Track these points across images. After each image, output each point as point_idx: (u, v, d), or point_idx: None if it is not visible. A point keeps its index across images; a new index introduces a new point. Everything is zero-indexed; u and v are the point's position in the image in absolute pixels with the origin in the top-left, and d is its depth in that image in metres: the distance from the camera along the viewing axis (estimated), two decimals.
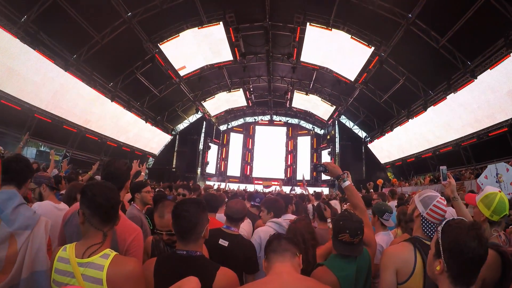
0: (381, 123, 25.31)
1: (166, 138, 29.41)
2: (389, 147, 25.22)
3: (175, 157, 30.46)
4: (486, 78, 13.80)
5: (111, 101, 19.69)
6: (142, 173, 5.32)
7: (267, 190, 13.95)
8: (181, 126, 31.31)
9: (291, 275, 1.69)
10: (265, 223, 3.54)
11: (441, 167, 2.88)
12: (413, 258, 1.98)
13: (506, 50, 12.42)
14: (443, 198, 2.16)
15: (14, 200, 1.92)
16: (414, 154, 22.89)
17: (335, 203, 5.39)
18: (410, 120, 20.61)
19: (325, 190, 26.08)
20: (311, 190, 11.19)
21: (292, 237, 1.98)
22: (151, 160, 29.95)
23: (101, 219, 1.71)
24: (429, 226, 2.13)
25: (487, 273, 1.97)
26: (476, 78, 14.20)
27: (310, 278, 1.83)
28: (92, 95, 18.28)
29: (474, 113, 15.68)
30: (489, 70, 13.42)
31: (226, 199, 5.31)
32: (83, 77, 17.14)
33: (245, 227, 3.66)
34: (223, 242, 2.70)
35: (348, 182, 2.68)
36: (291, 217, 3.90)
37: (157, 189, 7.56)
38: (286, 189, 15.67)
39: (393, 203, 6.16)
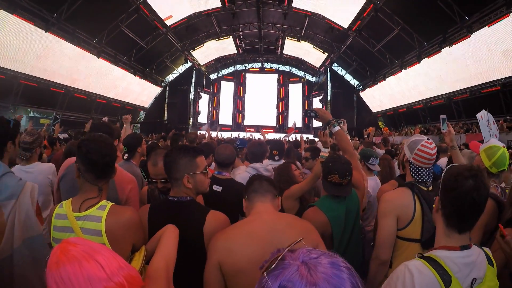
0: (373, 72, 24.98)
1: (156, 90, 28.84)
2: (381, 96, 25.20)
3: (166, 109, 30.12)
4: (483, 35, 13.54)
5: (97, 58, 19.00)
6: (125, 125, 5.26)
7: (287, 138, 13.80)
8: (171, 77, 30.50)
9: (272, 214, 1.71)
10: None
11: (441, 116, 2.91)
12: (412, 203, 2.01)
13: (506, 9, 12.07)
14: (429, 141, 2.12)
15: None
16: (405, 104, 22.99)
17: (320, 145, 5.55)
18: (403, 70, 20.40)
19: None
20: (304, 136, 11.20)
21: (272, 179, 1.99)
22: (142, 114, 29.65)
23: (95, 175, 1.71)
24: (417, 170, 2.13)
25: (489, 220, 2.10)
26: (472, 34, 13.94)
27: (290, 214, 1.88)
28: (77, 53, 17.59)
29: (468, 69, 15.58)
30: (486, 27, 13.13)
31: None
32: (66, 36, 16.32)
33: (239, 172, 3.67)
34: (217, 188, 2.74)
35: (337, 127, 2.74)
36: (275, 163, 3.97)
37: (149, 142, 7.42)
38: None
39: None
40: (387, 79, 22.67)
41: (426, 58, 17.77)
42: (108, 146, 1.74)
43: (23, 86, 15.77)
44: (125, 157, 3.08)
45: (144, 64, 24.92)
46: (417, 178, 2.11)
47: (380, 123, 27.12)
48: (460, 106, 18.03)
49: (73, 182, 2.01)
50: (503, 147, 2.47)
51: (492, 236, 2.04)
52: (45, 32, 14.91)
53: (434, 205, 1.45)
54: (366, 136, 9.41)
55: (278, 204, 1.82)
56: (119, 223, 1.61)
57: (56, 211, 1.69)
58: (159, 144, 6.55)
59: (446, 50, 15.99)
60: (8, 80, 14.81)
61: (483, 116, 9.78)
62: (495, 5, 12.75)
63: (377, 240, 2.09)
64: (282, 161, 4.03)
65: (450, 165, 1.46)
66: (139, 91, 26.33)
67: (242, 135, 23.51)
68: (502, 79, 13.92)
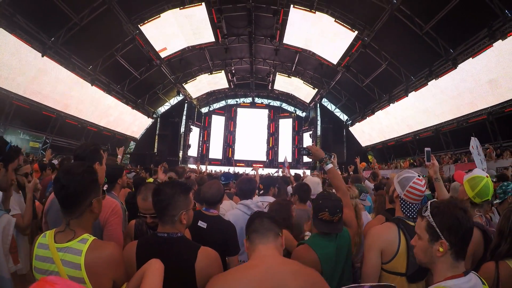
0: (362, 107, 25.58)
1: (147, 121, 28.86)
2: (370, 130, 25.65)
3: (156, 140, 30.05)
4: (468, 66, 14.05)
5: (91, 85, 19.11)
6: (119, 156, 5.26)
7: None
8: (162, 109, 30.71)
9: (275, 258, 1.65)
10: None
11: (425, 149, 2.98)
12: (397, 238, 2.04)
13: (488, 40, 12.66)
14: (420, 178, 2.18)
15: None
16: (394, 138, 23.37)
17: (310, 178, 5.51)
18: (391, 104, 20.93)
19: (307, 172, 26.40)
20: (292, 172, 11.36)
21: (274, 215, 1.95)
22: (132, 144, 29.47)
23: (61, 207, 1.65)
24: (408, 206, 2.18)
25: (476, 249, 2.18)
26: (456, 67, 14.52)
27: (295, 261, 1.79)
28: (71, 79, 17.68)
29: (455, 100, 16.05)
30: (471, 58, 13.68)
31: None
32: (62, 61, 16.49)
33: (225, 207, 3.68)
34: (202, 224, 2.69)
35: (330, 165, 2.77)
36: (271, 199, 3.92)
37: (133, 173, 7.33)
38: (270, 171, 15.79)
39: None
40: (375, 113, 23.14)
41: (414, 92, 18.29)
42: (76, 175, 1.64)
43: (15, 107, 15.62)
44: (105, 188, 2.99)
45: (137, 95, 25.10)
46: (407, 214, 2.18)
47: (369, 157, 27.40)
48: (448, 137, 18.37)
49: (58, 213, 1.97)
50: (487, 177, 2.54)
51: (479, 264, 2.10)
52: (42, 56, 15.05)
53: (439, 250, 1.47)
54: (351, 172, 9.44)
55: (282, 243, 1.77)
56: (99, 258, 1.58)
57: (39, 240, 1.65)
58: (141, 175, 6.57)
59: (432, 83, 16.53)
60: (1, 99, 14.69)
61: (473, 146, 10.04)
62: (478, 37, 13.40)
63: (362, 273, 2.14)
64: (268, 196, 4.04)
65: (432, 205, 1.52)
66: (131, 121, 26.31)
67: (234, 170, 23.36)
68: (487, 108, 14.34)
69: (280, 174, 12.10)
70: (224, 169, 23.39)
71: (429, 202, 1.55)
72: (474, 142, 9.59)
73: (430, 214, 1.48)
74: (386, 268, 2.05)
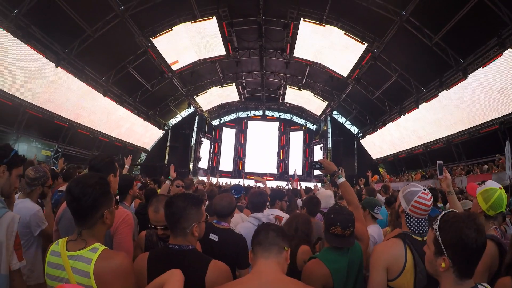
0: (373, 119, 25.46)
1: (158, 133, 29.24)
2: (381, 142, 25.39)
3: (167, 152, 30.35)
4: (479, 76, 13.88)
5: (103, 96, 19.47)
6: (126, 166, 5.31)
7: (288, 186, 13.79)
8: (174, 121, 31.11)
9: (272, 275, 1.60)
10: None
11: (437, 162, 2.90)
12: (403, 254, 1.97)
13: (498, 49, 12.53)
14: (425, 192, 2.11)
15: None
16: (405, 150, 23.06)
17: (323, 191, 5.47)
18: (402, 116, 20.72)
19: (318, 185, 26.19)
20: (302, 185, 11.31)
21: (282, 229, 1.88)
22: (143, 155, 29.80)
23: (74, 218, 1.68)
24: (413, 221, 2.11)
25: (492, 263, 2.08)
26: (467, 78, 14.36)
27: (295, 282, 1.68)
28: (84, 90, 18.05)
29: (466, 111, 15.80)
30: (481, 68, 13.51)
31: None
32: (75, 72, 16.88)
33: (234, 220, 3.64)
34: (213, 237, 2.69)
35: (343, 179, 2.78)
36: (278, 213, 3.94)
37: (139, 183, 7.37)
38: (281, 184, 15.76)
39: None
40: (386, 125, 22.96)
41: (424, 103, 18.09)
42: (88, 187, 1.64)
43: (28, 116, 15.98)
44: (117, 198, 3.09)
45: (148, 106, 25.48)
46: (413, 229, 2.11)
47: (380, 169, 27.08)
48: (460, 148, 18.05)
49: (70, 222, 1.99)
50: (500, 188, 2.48)
51: (495, 277, 2.03)
52: (56, 67, 15.44)
53: (441, 266, 1.43)
54: (362, 185, 9.35)
55: (286, 257, 1.72)
56: (108, 268, 1.59)
57: (52, 248, 1.68)
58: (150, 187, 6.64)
59: (443, 94, 16.34)
60: (15, 107, 15.04)
61: (508, 149, 10.17)
62: (488, 46, 13.27)
63: None
64: (275, 210, 4.10)
65: (442, 218, 1.47)
66: (142, 133, 26.65)
67: (243, 182, 23.34)
68: (499, 117, 14.04)
69: (290, 187, 12.09)
70: (235, 181, 23.34)
71: (442, 213, 1.49)
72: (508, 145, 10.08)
73: (437, 227, 1.44)
74: (392, 285, 1.98)
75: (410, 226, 2.11)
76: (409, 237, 2.04)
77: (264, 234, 1.73)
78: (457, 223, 1.38)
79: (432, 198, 2.12)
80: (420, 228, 2.08)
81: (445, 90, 16.11)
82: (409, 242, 1.99)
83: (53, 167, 10.75)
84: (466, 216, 1.41)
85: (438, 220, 1.45)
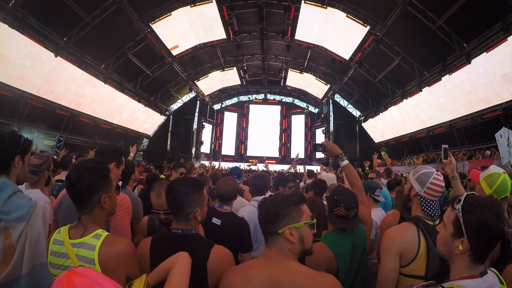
0: (375, 103, 25.31)
1: (160, 118, 29.21)
2: (383, 126, 25.33)
3: (169, 137, 30.38)
4: (482, 61, 13.71)
5: (104, 83, 19.39)
6: (131, 154, 5.34)
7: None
8: (175, 106, 31.05)
9: (277, 263, 1.52)
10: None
11: (443, 146, 2.88)
12: (416, 239, 1.91)
13: (503, 34, 12.33)
14: (438, 173, 2.06)
15: (6, 191, 1.75)
16: (408, 134, 23.01)
17: (325, 174, 5.48)
18: (404, 100, 20.61)
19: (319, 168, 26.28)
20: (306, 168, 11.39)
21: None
22: (145, 141, 29.86)
23: (73, 202, 1.68)
24: (429, 204, 2.03)
25: (494, 250, 2.01)
26: (470, 62, 14.18)
27: (299, 269, 1.52)
28: (84, 78, 17.96)
29: (469, 96, 15.68)
30: (485, 53, 13.34)
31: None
32: (74, 60, 16.76)
33: (235, 204, 3.63)
34: (216, 221, 2.67)
35: (346, 161, 2.76)
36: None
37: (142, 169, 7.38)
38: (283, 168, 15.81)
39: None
40: (388, 109, 22.86)
41: (427, 87, 17.97)
42: (84, 171, 1.65)
43: (29, 106, 15.99)
44: (119, 184, 3.09)
45: (149, 92, 25.38)
46: (429, 212, 2.03)
47: (383, 153, 27.07)
48: (462, 133, 17.99)
49: (68, 211, 2.01)
50: (504, 173, 2.45)
51: (497, 263, 2.04)
52: (55, 56, 15.33)
53: (458, 248, 1.38)
54: (367, 168, 9.35)
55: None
56: (112, 254, 1.60)
57: (54, 237, 1.68)
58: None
59: (446, 78, 16.19)
60: (15, 99, 15.04)
61: (502, 134, 9.54)
62: (492, 31, 13.05)
63: (378, 278, 2.00)
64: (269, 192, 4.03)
65: (466, 200, 1.40)
66: (143, 119, 26.64)
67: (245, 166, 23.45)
68: (502, 103, 13.92)
69: (292, 170, 12.19)
70: (237, 165, 23.44)
71: (465, 194, 1.44)
72: (505, 131, 9.31)
73: (461, 208, 1.38)
74: (404, 271, 1.93)
75: (425, 209, 2.04)
76: (422, 221, 1.99)
77: None
78: (481, 207, 1.34)
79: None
80: (434, 210, 2.03)
81: (448, 74, 15.95)
82: (422, 227, 1.95)
83: (54, 156, 10.78)
84: (490, 200, 1.37)
85: (462, 201, 1.40)
